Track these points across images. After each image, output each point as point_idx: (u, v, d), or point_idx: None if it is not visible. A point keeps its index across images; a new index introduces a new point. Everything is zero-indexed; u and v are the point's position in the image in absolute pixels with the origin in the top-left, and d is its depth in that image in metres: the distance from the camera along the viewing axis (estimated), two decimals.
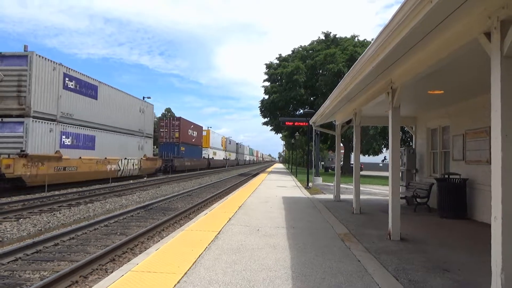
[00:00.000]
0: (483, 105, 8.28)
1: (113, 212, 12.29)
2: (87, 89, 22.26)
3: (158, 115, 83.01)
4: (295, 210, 10.73)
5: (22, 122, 16.94)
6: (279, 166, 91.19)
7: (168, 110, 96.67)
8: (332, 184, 17.36)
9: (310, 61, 41.73)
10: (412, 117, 13.16)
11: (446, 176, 9.82)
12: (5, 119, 16.92)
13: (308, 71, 41.28)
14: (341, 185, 14.52)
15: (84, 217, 11.46)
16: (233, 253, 5.52)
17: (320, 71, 41.11)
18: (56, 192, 17.52)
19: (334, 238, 6.82)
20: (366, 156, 50.18)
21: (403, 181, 12.77)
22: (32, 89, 17.25)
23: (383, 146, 45.59)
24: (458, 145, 10.05)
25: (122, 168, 26.05)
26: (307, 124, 22.62)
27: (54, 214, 11.73)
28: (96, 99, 23.27)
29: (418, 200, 10.88)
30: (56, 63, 19.09)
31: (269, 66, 45.00)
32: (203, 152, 53.89)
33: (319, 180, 26.30)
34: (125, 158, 26.65)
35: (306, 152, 35.91)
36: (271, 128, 46.10)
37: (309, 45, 45.66)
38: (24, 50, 17.82)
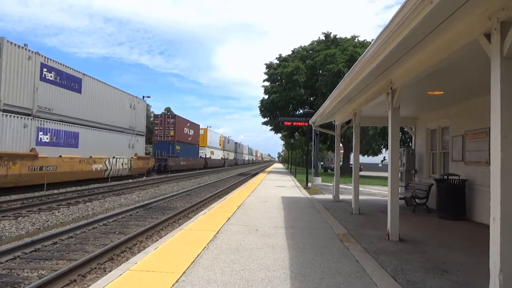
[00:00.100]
0: (482, 106, 8.29)
1: (112, 211, 12.27)
2: (70, 81, 20.43)
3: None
4: (294, 210, 10.72)
5: None
6: (278, 166, 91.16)
7: (168, 109, 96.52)
8: (331, 184, 17.36)
9: (310, 61, 41.75)
10: (412, 118, 13.15)
11: (445, 177, 9.81)
12: None
13: (308, 71, 41.30)
14: (340, 185, 14.50)
15: (83, 216, 11.46)
16: (231, 252, 5.51)
17: (320, 71, 41.13)
18: (55, 191, 17.50)
19: (333, 239, 6.82)
20: (366, 156, 50.43)
21: (402, 182, 12.76)
22: (2, 79, 15.50)
23: (382, 146, 45.70)
24: (458, 146, 10.05)
25: (109, 168, 24.44)
26: (306, 124, 22.65)
27: (53, 213, 11.72)
28: (80, 92, 21.52)
29: (417, 200, 10.87)
30: (32, 51, 17.26)
31: (269, 66, 45.01)
32: (200, 151, 52.53)
33: (318, 180, 26.32)
34: (113, 157, 25.04)
35: (305, 152, 35.85)
36: (270, 128, 46.12)
37: (309, 45, 45.71)
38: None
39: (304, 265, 4.96)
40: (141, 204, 13.36)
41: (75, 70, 21.10)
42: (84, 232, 8.80)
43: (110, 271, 5.45)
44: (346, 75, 7.86)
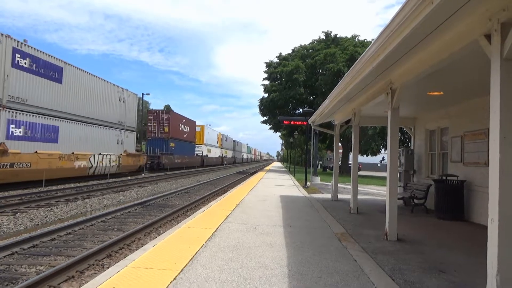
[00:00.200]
0: (482, 107, 8.30)
1: (111, 208, 12.26)
2: (48, 70, 18.69)
3: None
4: (293, 208, 10.73)
5: None
6: (277, 164, 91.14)
7: (167, 107, 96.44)
8: (330, 183, 17.37)
9: (310, 60, 41.73)
10: (411, 118, 13.16)
11: (444, 177, 9.81)
12: None
13: (308, 70, 41.27)
14: (339, 185, 14.51)
15: (81, 213, 11.46)
16: (230, 250, 5.52)
17: (320, 71, 41.10)
18: (54, 187, 17.48)
19: (331, 238, 6.82)
20: (365, 156, 50.55)
21: (401, 182, 12.78)
22: None
23: (381, 146, 45.73)
24: (457, 146, 10.06)
25: (95, 165, 22.81)
26: (305, 123, 22.64)
27: (51, 209, 11.72)
28: (61, 83, 19.69)
29: (415, 201, 10.88)
30: (2, 34, 15.65)
31: (269, 64, 44.95)
32: (196, 149, 51.19)
33: (317, 179, 26.36)
34: (99, 154, 23.40)
35: (304, 151, 35.77)
36: (270, 127, 46.07)
37: (310, 44, 45.65)
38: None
39: (302, 263, 4.97)
40: (139, 202, 13.36)
41: (54, 57, 19.28)
42: (83, 228, 8.81)
43: (108, 267, 5.47)
44: (346, 74, 7.86)
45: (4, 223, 9.32)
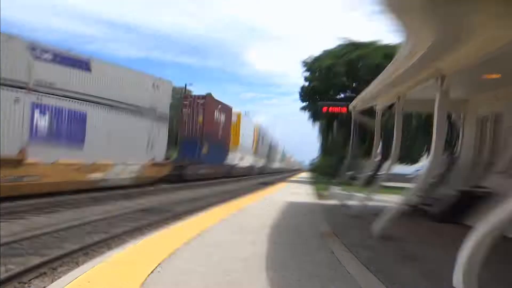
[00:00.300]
0: None
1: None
2: (75, 61, 16.43)
3: None
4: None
5: None
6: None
7: (209, 95, 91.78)
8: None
9: (345, 58, 40.72)
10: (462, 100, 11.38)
11: None
12: None
13: (346, 66, 40.21)
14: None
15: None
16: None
17: (360, 65, 39.76)
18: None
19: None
20: (402, 164, 43.06)
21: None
22: None
23: (425, 149, 40.50)
24: None
25: (110, 178, 18.32)
26: (345, 110, 20.99)
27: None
28: (90, 71, 17.14)
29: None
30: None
31: (305, 64, 44.12)
32: (229, 155, 42.92)
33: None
34: (123, 163, 19.21)
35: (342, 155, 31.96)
36: (308, 116, 44.30)
37: (335, 48, 44.46)
38: None
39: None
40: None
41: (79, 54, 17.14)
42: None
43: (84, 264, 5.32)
44: (390, 64, 7.43)
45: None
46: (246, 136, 50.72)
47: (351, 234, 6.88)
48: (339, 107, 27.97)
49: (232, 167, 45.30)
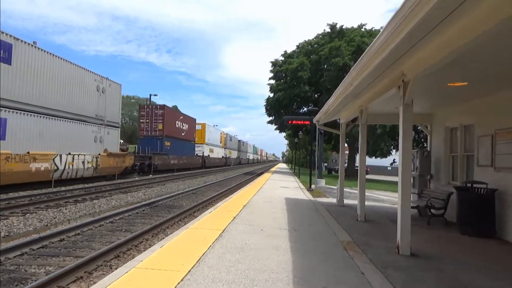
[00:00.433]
0: None
1: (119, 209, 12.30)
2: None
3: None
4: (298, 212, 10.69)
5: None
6: (282, 166, 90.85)
7: (175, 107, 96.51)
8: (336, 187, 17.04)
9: (314, 56, 41.19)
10: (427, 114, 11.65)
11: (469, 184, 8.34)
12: None
13: (312, 66, 40.72)
14: (344, 189, 13.65)
15: (90, 213, 11.51)
16: (237, 252, 5.50)
17: (325, 66, 40.34)
18: (63, 188, 17.59)
19: (336, 245, 6.53)
20: (373, 158, 45.77)
21: (415, 188, 11.53)
22: None
23: (392, 147, 42.47)
24: (486, 147, 8.47)
25: (62, 168, 18.50)
26: (309, 122, 22.41)
27: (60, 209, 11.79)
28: (10, 63, 15.28)
29: (432, 211, 9.51)
30: None
31: (274, 63, 44.63)
32: (196, 149, 47.20)
33: (322, 182, 26.05)
34: (69, 154, 19.09)
35: (309, 152, 35.27)
36: (275, 127, 45.86)
37: (314, 38, 44.73)
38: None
39: (308, 270, 4.90)
40: (147, 202, 13.40)
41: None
42: (91, 229, 8.84)
43: (116, 268, 5.48)
44: (352, 68, 7.11)
45: (14, 224, 9.39)
46: (213, 136, 55.49)
47: (374, 247, 6.51)
48: (303, 121, 29.51)
49: (204, 158, 48.90)
